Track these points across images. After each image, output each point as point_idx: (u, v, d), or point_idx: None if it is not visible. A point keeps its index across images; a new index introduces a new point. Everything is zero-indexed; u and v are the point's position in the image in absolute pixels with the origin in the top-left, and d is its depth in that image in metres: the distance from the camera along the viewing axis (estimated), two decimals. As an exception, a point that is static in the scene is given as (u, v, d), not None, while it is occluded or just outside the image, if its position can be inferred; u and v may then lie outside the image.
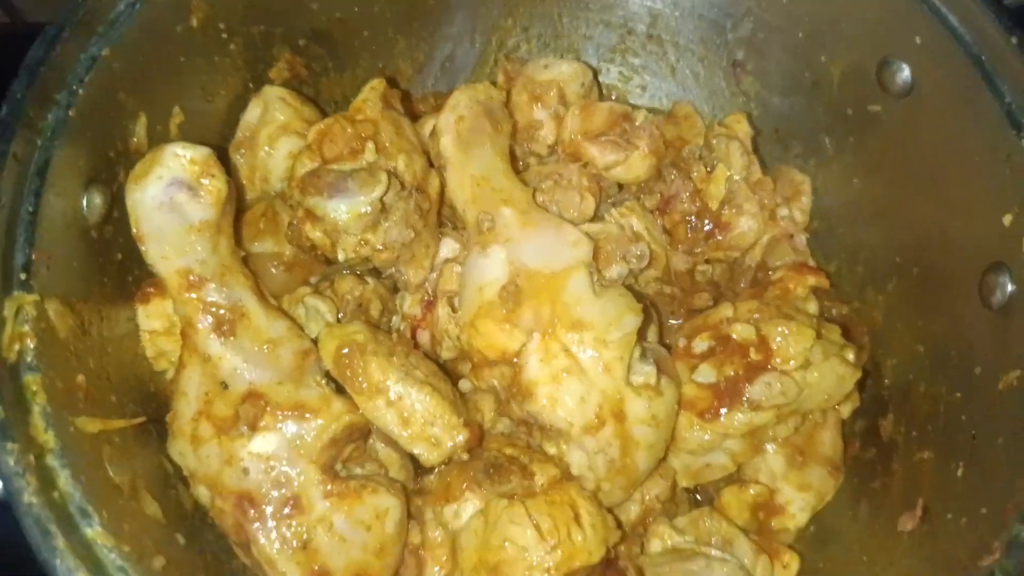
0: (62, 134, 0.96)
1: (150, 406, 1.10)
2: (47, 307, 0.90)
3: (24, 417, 0.83)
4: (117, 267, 1.09)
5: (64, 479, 0.82)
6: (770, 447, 1.20)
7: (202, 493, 1.07)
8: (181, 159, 1.02)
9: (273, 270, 1.22)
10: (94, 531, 0.81)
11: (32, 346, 0.87)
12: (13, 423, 0.81)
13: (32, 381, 0.85)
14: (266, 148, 1.25)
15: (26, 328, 0.87)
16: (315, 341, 1.13)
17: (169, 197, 1.02)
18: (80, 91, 0.98)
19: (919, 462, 1.13)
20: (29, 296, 0.89)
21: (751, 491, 1.21)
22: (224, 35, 1.19)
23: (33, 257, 0.90)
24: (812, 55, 1.30)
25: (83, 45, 0.99)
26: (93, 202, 1.03)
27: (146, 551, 0.87)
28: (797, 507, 1.21)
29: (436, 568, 1.14)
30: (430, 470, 1.18)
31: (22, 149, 0.91)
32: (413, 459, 1.16)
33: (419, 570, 1.15)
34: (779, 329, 1.13)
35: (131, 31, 1.03)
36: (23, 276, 0.89)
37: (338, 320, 1.18)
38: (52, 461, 0.83)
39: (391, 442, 1.15)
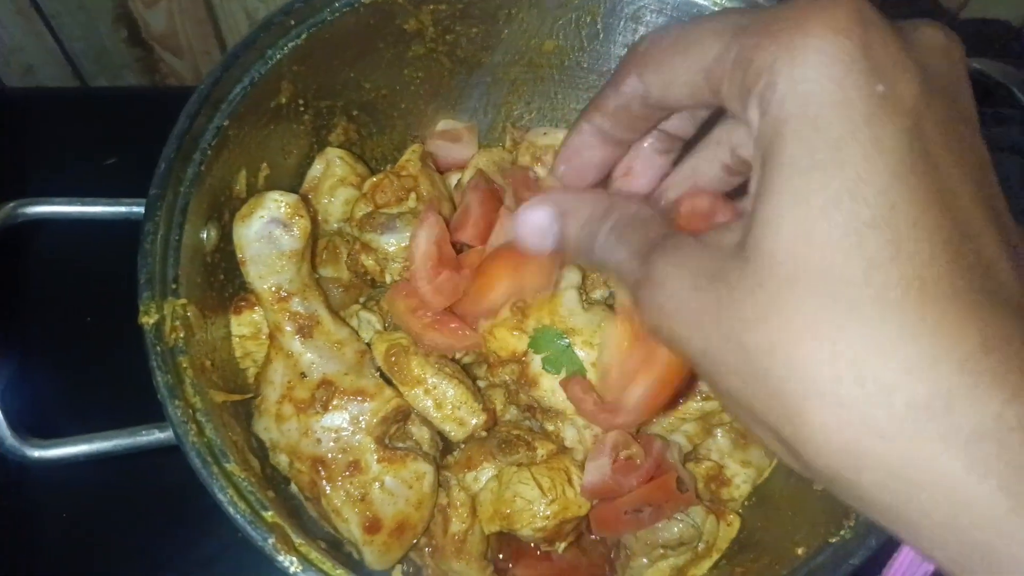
0: (195, 183, 1.28)
1: (244, 394, 1.42)
2: (188, 309, 1.23)
3: (181, 385, 1.15)
4: (220, 285, 1.42)
5: (208, 430, 1.15)
6: (718, 431, 1.53)
7: (282, 460, 1.38)
8: (279, 203, 1.35)
9: (335, 290, 1.55)
10: (231, 466, 1.13)
11: (181, 336, 1.20)
12: (176, 388, 1.14)
13: (184, 360, 1.18)
14: (328, 196, 1.58)
15: (178, 323, 1.20)
16: (369, 344, 1.47)
17: (268, 231, 1.35)
18: (208, 152, 1.31)
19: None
20: (179, 301, 1.22)
21: (703, 466, 1.54)
22: (301, 108, 1.52)
23: (179, 273, 1.23)
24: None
25: (210, 118, 1.32)
26: (209, 235, 1.36)
27: (262, 487, 1.18)
28: (741, 480, 1.53)
29: (459, 523, 1.46)
30: (455, 447, 1.52)
31: (172, 195, 1.24)
32: (442, 438, 1.50)
33: (445, 524, 1.46)
34: (723, 336, 1.47)
35: (242, 107, 1.36)
36: (173, 286, 1.22)
37: (385, 329, 1.52)
38: (200, 417, 1.15)
39: (427, 422, 1.47)
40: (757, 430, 0.65)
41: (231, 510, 1.07)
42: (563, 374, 1.40)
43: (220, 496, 1.08)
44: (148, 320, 1.16)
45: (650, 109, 0.82)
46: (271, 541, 1.08)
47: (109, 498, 1.66)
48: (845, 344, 0.54)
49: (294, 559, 1.07)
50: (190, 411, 1.12)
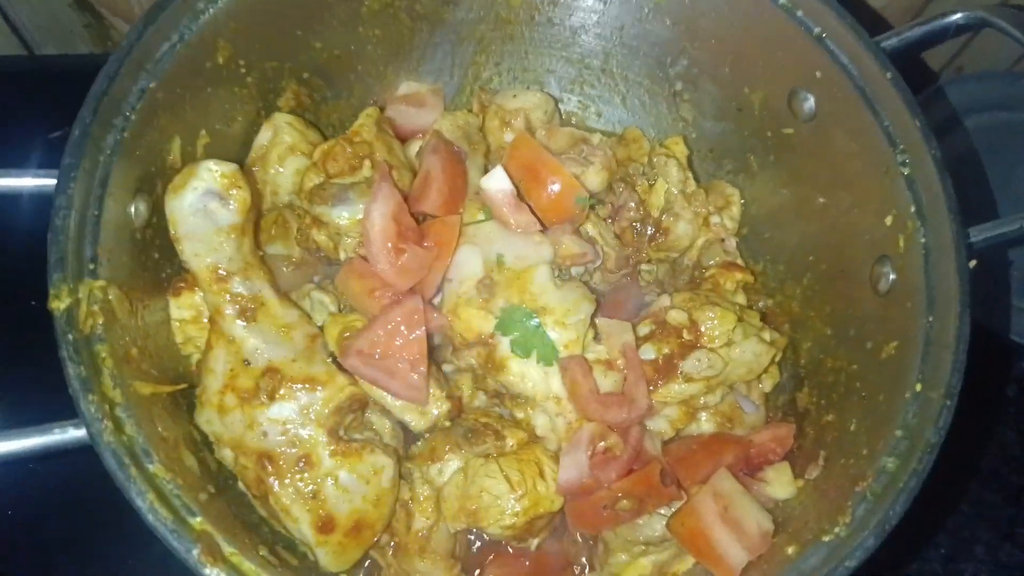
0: (118, 152, 1.16)
1: (178, 383, 1.28)
2: (109, 292, 1.11)
3: (97, 377, 1.03)
4: (154, 264, 1.29)
5: (129, 426, 1.03)
6: (703, 415, 1.41)
7: (226, 455, 1.26)
8: (214, 173, 1.22)
9: (284, 269, 1.42)
10: (155, 467, 1.02)
11: (100, 322, 1.07)
12: (91, 381, 1.01)
13: (101, 349, 1.06)
14: (276, 166, 1.45)
15: (95, 308, 1.07)
16: (321, 328, 1.34)
17: (203, 204, 1.22)
18: (132, 117, 1.18)
19: (825, 424, 1.35)
20: (97, 282, 1.09)
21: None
22: (243, 70, 1.39)
23: (98, 251, 1.10)
24: (736, 87, 1.52)
25: (135, 79, 1.19)
26: (139, 209, 1.23)
27: (193, 487, 1.06)
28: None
29: (423, 518, 1.35)
30: (417, 437, 1.40)
31: (89, 164, 1.11)
32: (403, 427, 1.38)
33: (408, 520, 1.35)
34: (707, 314, 1.35)
35: (171, 67, 1.23)
36: (91, 266, 1.09)
37: (340, 310, 1.39)
38: (120, 412, 1.03)
39: (385, 412, 1.35)
40: None
41: (150, 517, 0.96)
42: (533, 358, 1.28)
43: (138, 501, 0.96)
44: (59, 305, 1.03)
45: None
46: (195, 552, 0.96)
47: (27, 502, 1.54)
48: None
49: (221, 572, 0.95)
50: (106, 406, 1.00)
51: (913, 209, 1.22)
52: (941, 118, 1.89)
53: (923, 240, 1.21)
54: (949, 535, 1.69)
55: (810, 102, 1.40)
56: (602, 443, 1.27)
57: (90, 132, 1.12)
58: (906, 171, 1.24)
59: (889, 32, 1.34)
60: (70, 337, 1.02)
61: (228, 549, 1.00)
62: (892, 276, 1.26)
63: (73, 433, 1.01)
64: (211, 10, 1.27)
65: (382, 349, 1.23)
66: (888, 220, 1.27)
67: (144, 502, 0.96)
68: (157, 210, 1.26)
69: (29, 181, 1.14)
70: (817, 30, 1.32)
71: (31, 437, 1.00)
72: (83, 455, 1.02)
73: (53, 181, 1.11)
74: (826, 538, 1.09)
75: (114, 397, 1.03)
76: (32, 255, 1.12)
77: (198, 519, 1.00)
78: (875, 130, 1.28)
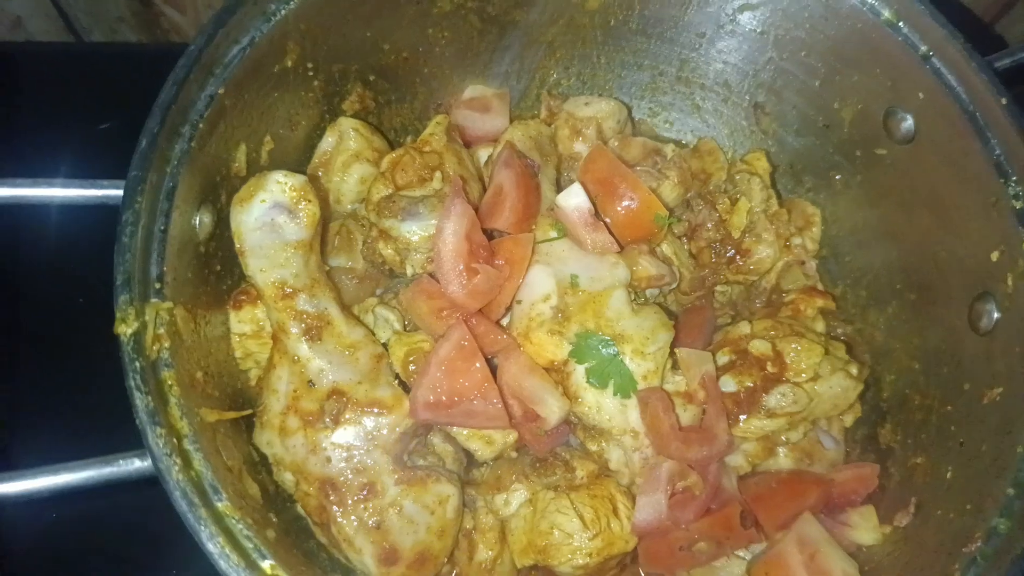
0: (184, 162, 1.10)
1: (236, 402, 1.24)
2: (175, 313, 1.05)
3: (164, 407, 0.98)
4: (216, 277, 1.23)
5: (197, 460, 0.97)
6: (781, 451, 1.34)
7: (287, 479, 1.21)
8: (283, 185, 1.16)
9: (347, 282, 1.36)
10: (223, 505, 0.96)
11: (166, 346, 1.02)
12: (159, 412, 0.95)
13: (168, 376, 1.00)
14: (340, 173, 1.39)
15: (162, 331, 1.02)
16: (385, 346, 1.28)
17: (270, 218, 1.16)
18: (200, 125, 1.12)
19: (913, 466, 1.28)
20: (164, 304, 1.03)
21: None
22: (311, 73, 1.33)
23: (164, 269, 1.05)
24: (825, 101, 1.45)
25: (203, 85, 1.12)
26: (203, 221, 1.17)
27: (260, 524, 1.01)
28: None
29: (487, 550, 1.29)
30: (481, 464, 1.34)
31: (156, 176, 1.05)
32: (467, 453, 1.32)
33: (471, 552, 1.29)
34: (792, 345, 1.28)
35: (240, 72, 1.17)
36: (157, 286, 1.03)
37: (404, 328, 1.33)
38: (188, 445, 0.98)
39: (449, 438, 1.29)
40: None
41: (222, 563, 0.91)
42: (610, 388, 1.21)
43: (209, 546, 0.91)
44: (126, 329, 0.98)
45: None
46: (268, 601, 0.90)
47: (86, 534, 1.48)
48: None
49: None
50: (174, 440, 0.95)
51: (1025, 246, 1.14)
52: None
53: (1035, 280, 1.13)
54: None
55: (908, 123, 1.32)
56: (681, 483, 1.20)
57: (157, 142, 1.05)
58: (1018, 205, 1.16)
59: (1002, 52, 1.26)
60: (138, 364, 0.97)
61: (300, 596, 0.94)
62: (997, 315, 1.19)
63: (138, 465, 0.95)
64: (282, 11, 1.21)
65: (447, 393, 1.17)
66: (994, 256, 1.19)
67: (216, 547, 0.91)
68: (221, 220, 1.21)
69: (92, 192, 1.08)
70: (923, 48, 1.24)
71: (95, 468, 0.94)
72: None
73: (115, 191, 1.06)
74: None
75: (181, 429, 0.98)
76: (95, 269, 1.07)
77: (268, 563, 0.95)
78: (983, 158, 1.20)
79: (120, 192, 1.04)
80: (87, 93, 2.01)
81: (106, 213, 1.08)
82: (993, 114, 1.19)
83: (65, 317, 1.60)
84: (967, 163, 1.23)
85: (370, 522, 1.18)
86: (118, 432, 1.00)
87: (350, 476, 1.18)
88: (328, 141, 1.41)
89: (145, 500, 1.02)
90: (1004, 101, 1.18)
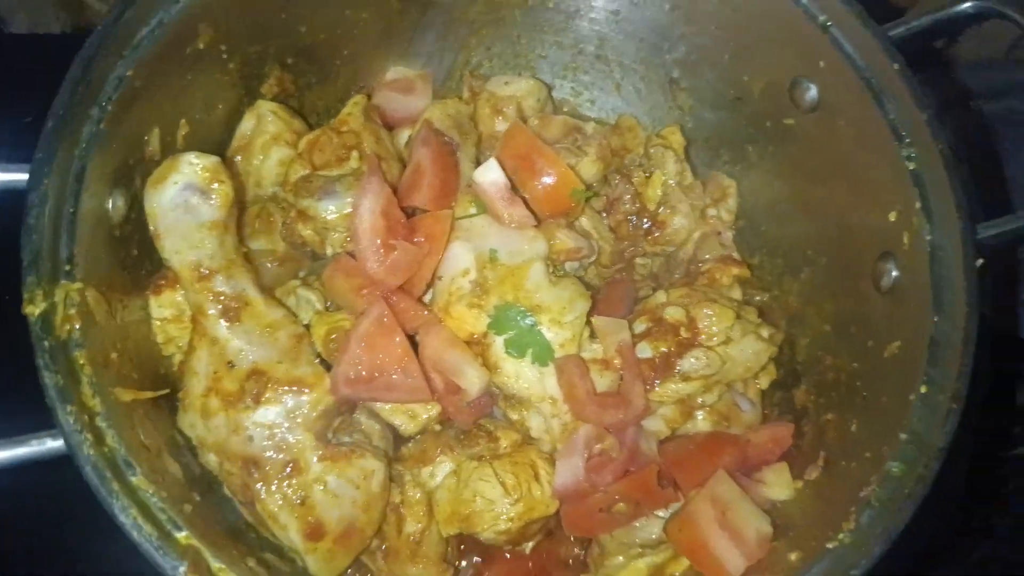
0: (95, 144, 1.10)
1: (159, 386, 1.23)
2: (87, 294, 1.05)
3: (76, 386, 0.98)
4: (133, 261, 1.23)
5: (110, 437, 0.98)
6: (699, 414, 1.37)
7: (211, 459, 1.22)
8: (195, 166, 1.16)
9: (268, 265, 1.37)
10: (137, 479, 0.97)
11: (78, 327, 1.02)
12: (69, 390, 0.96)
13: (80, 355, 1.01)
14: (259, 156, 1.40)
15: (72, 312, 1.02)
16: (307, 326, 1.30)
17: (184, 199, 1.17)
18: (109, 107, 1.12)
19: (824, 423, 1.33)
20: (74, 284, 1.03)
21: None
22: (225, 55, 1.33)
23: (74, 251, 1.05)
24: (736, 75, 1.48)
25: (112, 66, 1.12)
26: (116, 204, 1.17)
27: (177, 498, 1.02)
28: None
29: (415, 523, 1.31)
30: (407, 439, 1.36)
31: (64, 158, 1.05)
32: (392, 429, 1.34)
33: (399, 525, 1.31)
34: (704, 311, 1.32)
35: (150, 53, 1.17)
36: (67, 267, 1.04)
37: (326, 308, 1.34)
38: (100, 422, 0.98)
39: (374, 415, 1.31)
40: None
41: (134, 534, 0.92)
42: (528, 357, 1.24)
43: (121, 518, 0.92)
44: (34, 309, 0.98)
45: None
46: (182, 570, 0.92)
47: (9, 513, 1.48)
48: None
49: (209, 589, 0.92)
50: (85, 417, 0.96)
51: (919, 205, 1.19)
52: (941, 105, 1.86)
53: (929, 238, 1.17)
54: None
55: (812, 92, 1.36)
56: (598, 446, 1.23)
57: (65, 123, 1.06)
58: (912, 166, 1.21)
59: (897, 21, 1.30)
60: (46, 344, 0.97)
61: (215, 564, 0.96)
62: (895, 273, 1.23)
63: (51, 444, 0.96)
64: (192, -8, 1.21)
65: (367, 368, 1.18)
66: (892, 216, 1.23)
67: (128, 518, 0.92)
68: (135, 204, 1.21)
69: (-1, 176, 1.08)
70: (822, 18, 1.28)
71: (7, 449, 0.95)
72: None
73: (24, 176, 1.06)
74: (830, 545, 1.07)
75: (94, 406, 0.98)
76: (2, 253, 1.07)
77: (184, 533, 0.96)
78: (880, 122, 1.24)
79: (26, 175, 1.04)
80: (10, 85, 1.98)
81: (16, 197, 1.08)
82: (888, 79, 1.23)
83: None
84: (867, 128, 1.27)
85: (294, 498, 1.19)
86: (32, 414, 1.00)
87: (273, 454, 1.20)
88: (247, 124, 1.41)
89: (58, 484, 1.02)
90: (897, 67, 1.22)
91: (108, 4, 2.05)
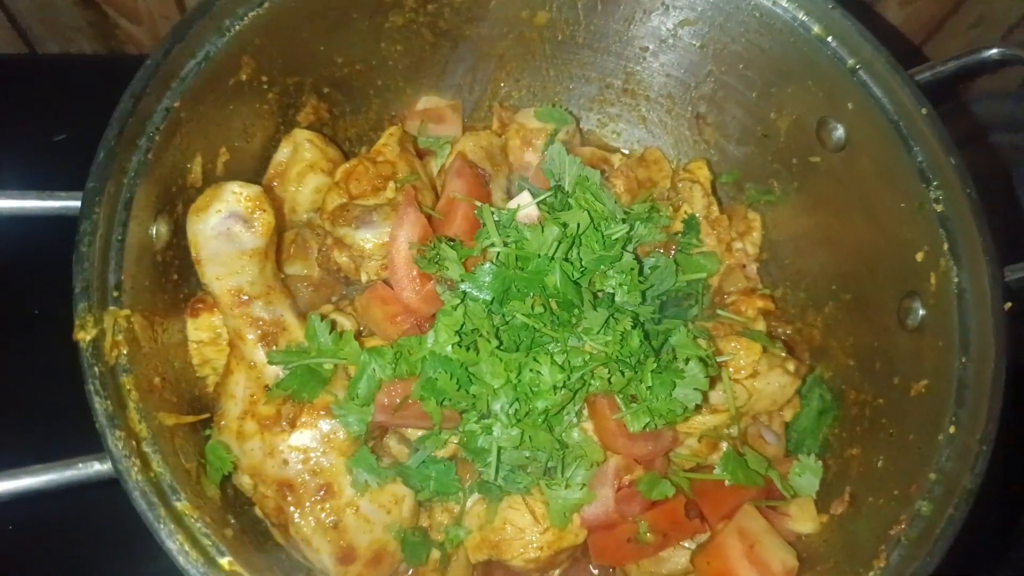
0: (142, 174, 1.12)
1: (194, 407, 1.26)
2: (133, 320, 1.08)
3: (123, 411, 1.00)
4: (173, 286, 1.26)
5: (156, 463, 1.00)
6: (724, 445, 1.40)
7: (245, 482, 1.24)
8: (238, 195, 1.19)
9: (303, 289, 1.39)
10: (182, 505, 0.99)
11: (125, 352, 1.04)
12: (117, 416, 0.98)
13: (127, 381, 1.03)
14: (296, 184, 1.42)
15: (120, 337, 1.04)
16: (341, 351, 1.31)
17: (226, 228, 1.19)
18: (156, 137, 1.15)
19: (848, 457, 1.34)
20: (121, 311, 1.06)
21: (710, 482, 1.41)
22: (265, 86, 1.36)
23: (122, 278, 1.07)
24: (763, 112, 1.51)
25: (159, 98, 1.15)
26: (159, 230, 1.20)
27: (218, 523, 1.04)
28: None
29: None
30: (438, 464, 1.37)
31: (114, 187, 1.08)
32: (422, 455, 1.35)
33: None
34: (732, 344, 1.34)
35: (196, 85, 1.20)
36: (115, 294, 1.06)
37: (360, 334, 1.37)
38: (146, 447, 1.00)
39: (405, 440, 1.33)
40: None
41: (180, 559, 0.93)
42: None
43: (169, 544, 0.94)
44: (84, 336, 1.00)
45: None
46: (227, 597, 0.93)
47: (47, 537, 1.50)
48: None
49: (252, 614, 0.93)
50: (133, 443, 0.97)
51: (946, 247, 1.21)
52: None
53: (956, 280, 1.20)
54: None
55: (840, 132, 1.38)
56: (627, 477, 1.25)
57: (115, 154, 1.08)
58: (939, 208, 1.23)
59: (923, 65, 1.33)
60: (96, 370, 0.99)
61: (257, 590, 0.98)
62: (922, 312, 1.25)
63: (98, 468, 0.98)
64: (237, 26, 1.24)
65: (401, 395, 1.20)
66: (919, 256, 1.26)
67: (175, 544, 0.94)
68: (178, 230, 1.23)
69: (50, 204, 1.10)
70: (851, 62, 1.31)
71: (55, 472, 0.97)
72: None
73: (75, 204, 1.08)
74: (860, 584, 1.09)
75: (140, 432, 1.00)
76: (50, 278, 1.10)
77: (227, 559, 0.98)
78: (908, 165, 1.27)
79: (77, 203, 1.07)
80: (41, 105, 2.01)
81: (63, 224, 1.10)
82: (916, 124, 1.26)
83: (21, 325, 1.61)
84: (894, 169, 1.30)
85: (327, 522, 1.21)
86: (75, 438, 1.02)
87: (307, 478, 1.22)
88: (283, 152, 1.44)
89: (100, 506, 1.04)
90: (924, 111, 1.24)
91: (142, 27, 2.10)
